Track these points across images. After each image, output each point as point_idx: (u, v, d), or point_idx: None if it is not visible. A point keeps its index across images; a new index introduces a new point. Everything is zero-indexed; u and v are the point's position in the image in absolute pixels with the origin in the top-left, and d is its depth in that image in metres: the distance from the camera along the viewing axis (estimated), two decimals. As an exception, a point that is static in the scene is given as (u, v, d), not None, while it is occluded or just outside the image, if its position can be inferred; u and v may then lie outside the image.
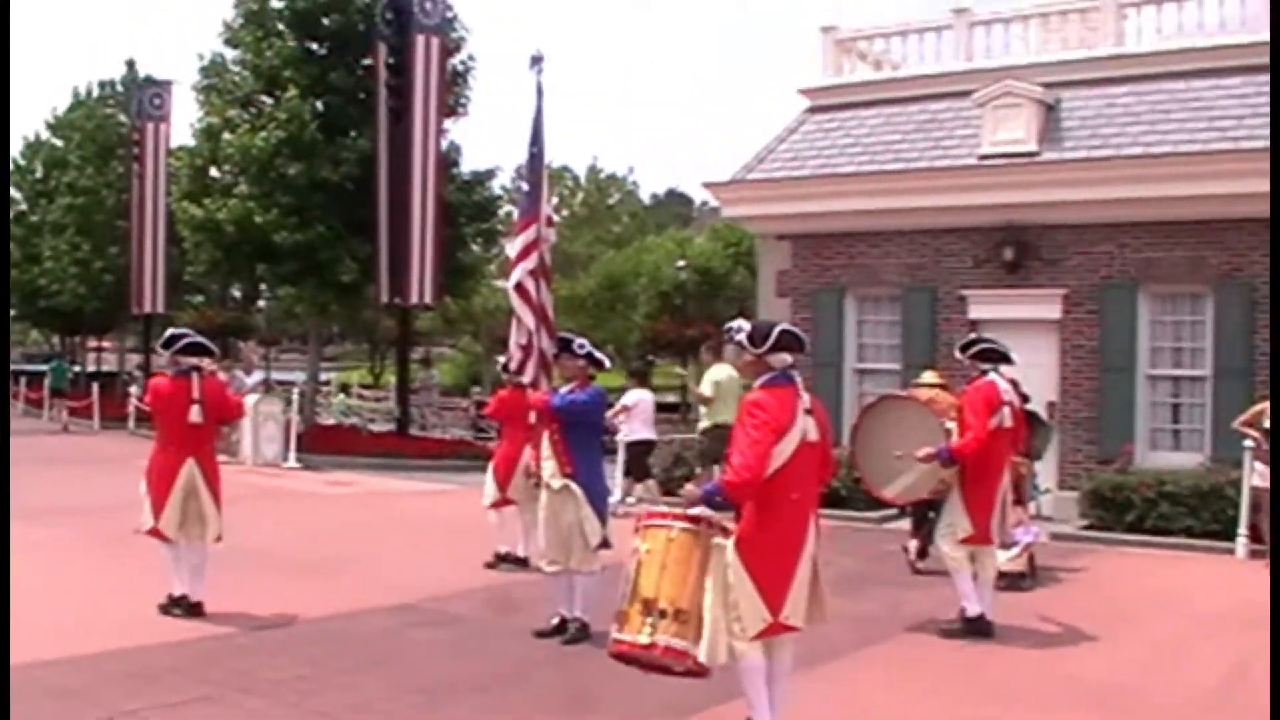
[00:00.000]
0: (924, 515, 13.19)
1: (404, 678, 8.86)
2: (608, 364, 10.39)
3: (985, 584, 10.62)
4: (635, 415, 18.94)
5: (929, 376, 13.63)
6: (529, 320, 10.57)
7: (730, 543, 7.00)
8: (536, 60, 11.04)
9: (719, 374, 17.95)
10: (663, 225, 74.54)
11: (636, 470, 19.13)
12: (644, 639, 6.99)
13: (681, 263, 52.32)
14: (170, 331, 11.14)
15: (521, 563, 13.35)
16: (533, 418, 13.00)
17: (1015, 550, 12.69)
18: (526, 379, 10.73)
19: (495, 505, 13.59)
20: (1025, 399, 13.27)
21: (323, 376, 41.45)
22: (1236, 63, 18.08)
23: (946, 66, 21.05)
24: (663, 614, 6.96)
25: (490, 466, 13.87)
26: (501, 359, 14.27)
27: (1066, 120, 19.30)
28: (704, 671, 7.06)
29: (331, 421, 34.84)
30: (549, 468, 9.99)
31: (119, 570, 12.32)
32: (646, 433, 19.22)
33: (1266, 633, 10.42)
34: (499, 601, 11.87)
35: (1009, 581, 12.45)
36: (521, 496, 13.28)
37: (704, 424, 18.31)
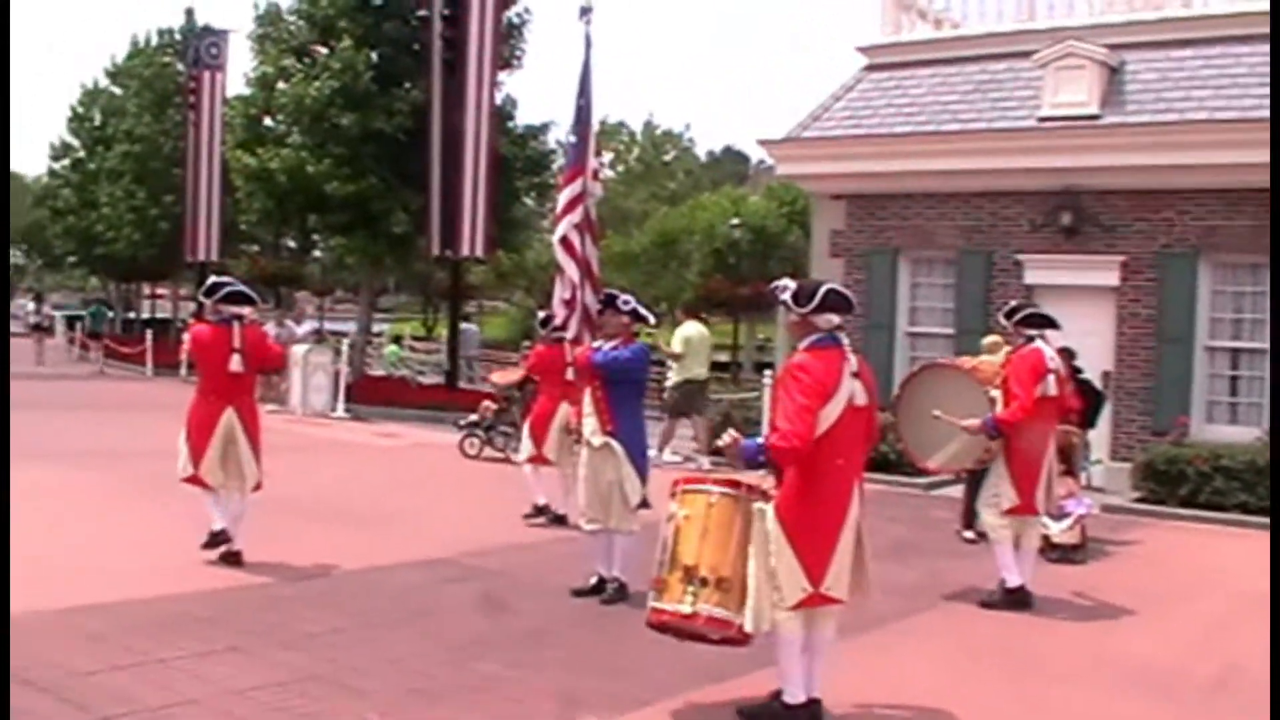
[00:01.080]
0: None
1: (438, 633, 8.78)
2: (653, 320, 10.21)
3: (1027, 555, 10.43)
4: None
5: (991, 340, 13.50)
6: (574, 274, 10.46)
7: (770, 508, 6.84)
8: (585, 11, 10.96)
9: (689, 331, 19.41)
10: (718, 183, 74.15)
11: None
12: (686, 608, 6.85)
13: (735, 221, 52.09)
14: (212, 279, 11.10)
15: (560, 519, 13.28)
16: (570, 374, 13.06)
17: (1068, 522, 12.48)
18: (570, 334, 10.65)
19: (531, 461, 13.51)
20: (1077, 370, 13.12)
21: (376, 328, 41.52)
22: (1307, 27, 17.67)
23: (1007, 26, 20.69)
24: (704, 582, 6.81)
25: (527, 423, 13.80)
26: (541, 314, 14.21)
27: (1129, 83, 18.93)
28: (744, 640, 6.93)
29: (381, 373, 34.88)
30: (590, 425, 9.86)
31: (159, 516, 12.30)
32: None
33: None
34: (537, 558, 11.79)
35: (1061, 554, 12.28)
36: (558, 454, 13.25)
37: (673, 379, 19.53)
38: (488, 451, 19.15)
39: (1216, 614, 10.64)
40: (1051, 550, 12.11)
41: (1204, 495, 15.71)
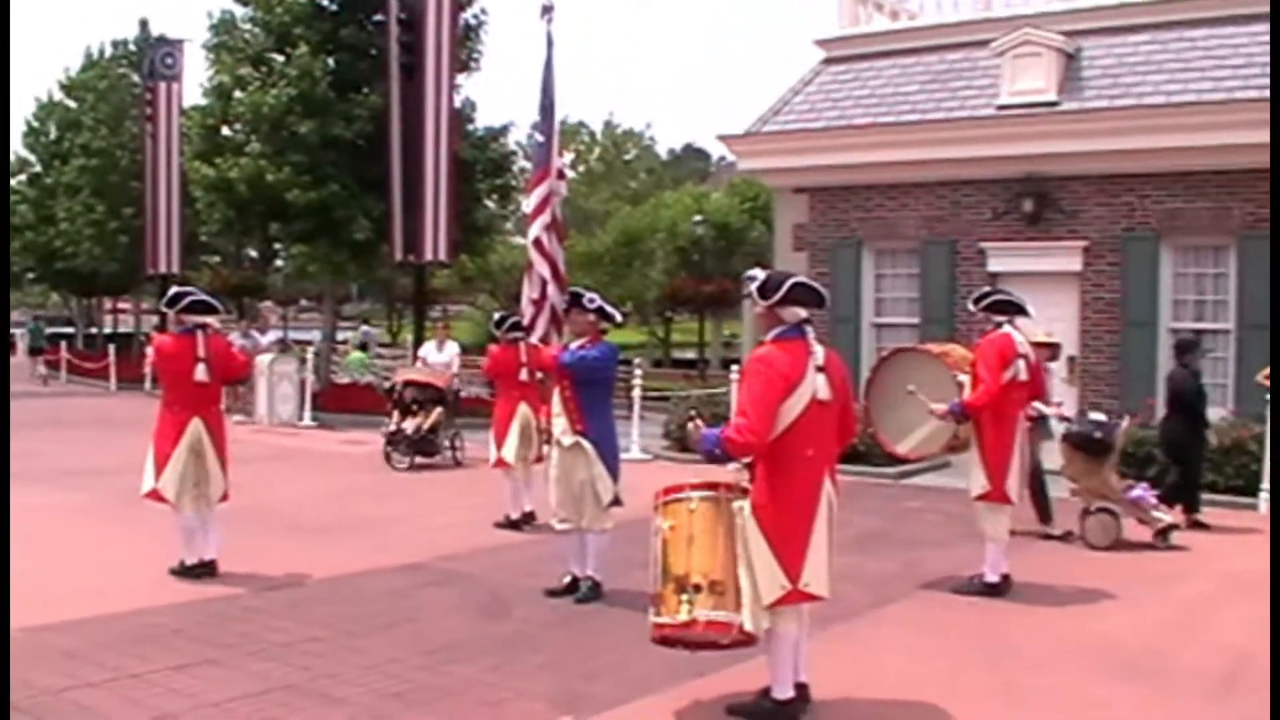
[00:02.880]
0: (1042, 484, 13.28)
1: (414, 638, 8.73)
2: (619, 319, 10.19)
3: (999, 543, 10.42)
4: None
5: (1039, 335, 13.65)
6: (546, 274, 10.45)
7: (747, 505, 6.83)
8: (547, 9, 10.94)
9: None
10: (680, 181, 74.14)
11: None
12: (683, 617, 6.82)
13: (699, 218, 52.05)
14: (174, 290, 10.99)
15: (515, 525, 13.28)
16: (524, 375, 13.06)
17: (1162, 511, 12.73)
18: (537, 334, 10.60)
19: (496, 466, 13.49)
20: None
21: (341, 335, 41.35)
22: (1260, 9, 17.71)
23: (964, 15, 20.79)
24: (697, 588, 6.79)
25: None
26: (496, 315, 14.26)
27: (1087, 69, 19.01)
28: (752, 639, 6.91)
29: (347, 380, 34.74)
30: (560, 425, 9.83)
31: (127, 533, 12.22)
32: None
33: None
34: (511, 560, 11.76)
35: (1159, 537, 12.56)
36: (515, 458, 13.24)
37: None
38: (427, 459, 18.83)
39: (1193, 596, 10.66)
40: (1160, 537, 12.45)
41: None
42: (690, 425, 7.08)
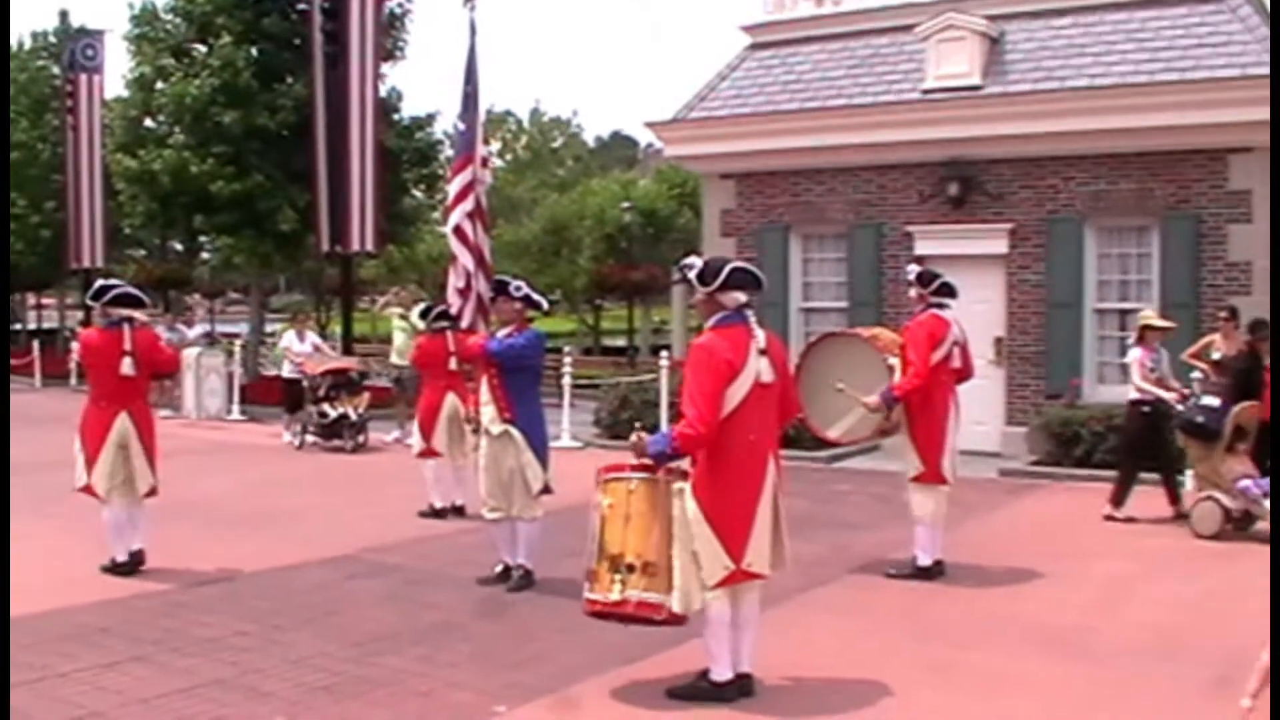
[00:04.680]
0: (1133, 473, 13.27)
1: (343, 631, 8.68)
2: (545, 306, 10.17)
3: (935, 526, 10.46)
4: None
5: (1150, 314, 13.68)
6: (468, 263, 10.40)
7: (688, 487, 6.85)
8: (469, -2, 10.86)
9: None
10: (607, 168, 73.95)
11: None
12: (615, 596, 6.91)
13: (626, 205, 51.98)
14: (99, 283, 10.85)
15: (439, 514, 13.25)
16: (453, 364, 13.03)
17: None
18: (464, 323, 10.58)
19: (422, 455, 13.43)
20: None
21: (269, 328, 41.02)
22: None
23: (889, 0, 20.81)
24: (630, 568, 6.88)
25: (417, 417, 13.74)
26: (421, 305, 14.23)
27: (1010, 53, 19.12)
28: (679, 620, 6.99)
29: (275, 373, 34.48)
30: (489, 413, 9.80)
31: (53, 529, 12.09)
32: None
33: (1215, 567, 10.41)
34: (441, 549, 11.72)
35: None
36: (447, 446, 13.23)
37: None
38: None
39: (1117, 573, 10.78)
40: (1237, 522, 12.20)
41: (1098, 455, 15.91)
42: (634, 438, 7.05)
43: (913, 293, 10.70)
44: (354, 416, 19.91)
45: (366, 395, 20.79)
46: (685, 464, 6.96)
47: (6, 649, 7.24)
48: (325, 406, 20.05)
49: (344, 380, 20.53)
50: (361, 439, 19.86)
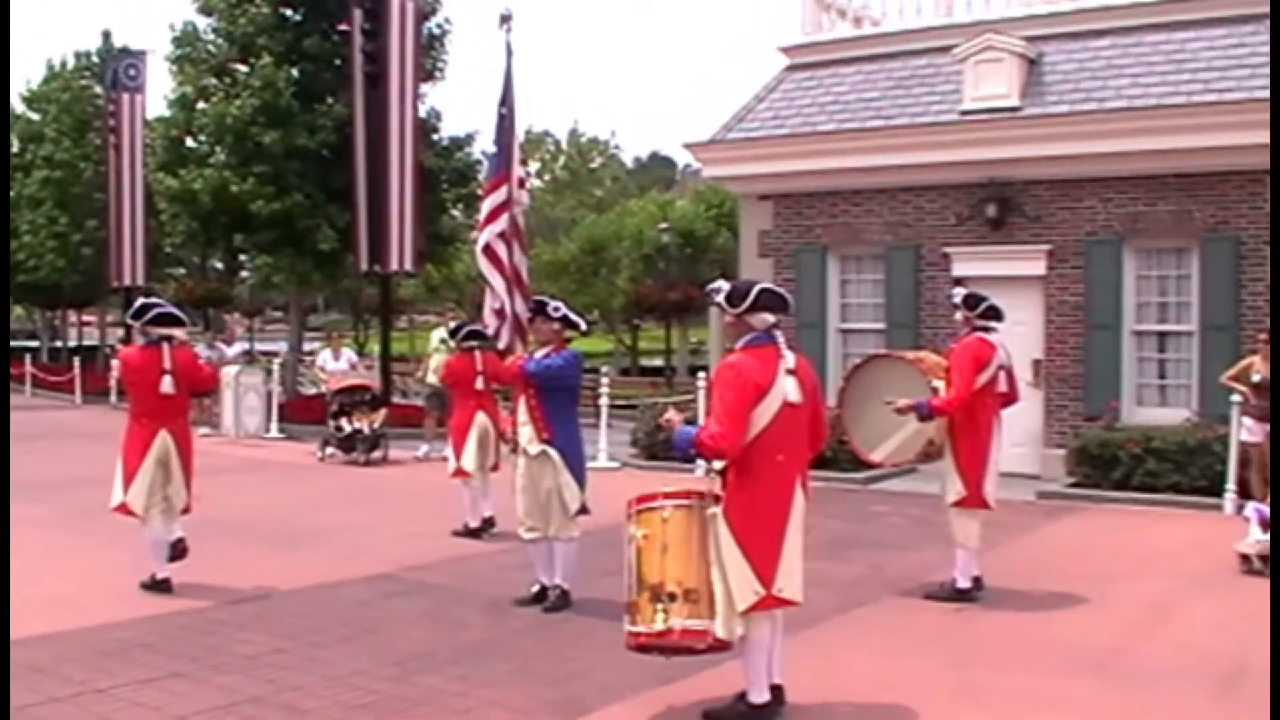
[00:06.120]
0: None
1: (381, 649, 8.70)
2: (584, 326, 10.18)
3: (969, 549, 10.40)
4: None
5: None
6: (499, 284, 10.45)
7: (720, 511, 6.86)
8: (505, 19, 10.97)
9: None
10: (645, 188, 74.21)
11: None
12: (659, 626, 6.86)
13: (664, 225, 52.06)
14: (140, 301, 10.91)
15: (474, 534, 13.26)
16: (480, 383, 13.07)
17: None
18: (501, 344, 10.62)
19: (455, 475, 13.46)
20: None
21: (308, 346, 41.21)
22: (1219, 14, 17.88)
23: (927, 21, 20.82)
24: (672, 596, 6.83)
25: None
26: (452, 324, 14.31)
27: (1049, 74, 19.09)
28: (724, 646, 6.96)
29: (314, 391, 34.64)
30: (526, 433, 9.82)
31: (92, 546, 12.18)
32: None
33: (1255, 589, 10.33)
34: (479, 569, 11.73)
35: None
36: (474, 467, 13.23)
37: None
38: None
39: (1157, 595, 10.70)
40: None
41: (1137, 478, 15.86)
42: (668, 415, 7.24)
43: (958, 315, 10.57)
44: (367, 431, 20.57)
45: (384, 411, 21.42)
46: (718, 488, 6.96)
47: (6, 652, 7.24)
48: (341, 421, 20.78)
49: (360, 396, 21.20)
50: (377, 454, 20.58)
